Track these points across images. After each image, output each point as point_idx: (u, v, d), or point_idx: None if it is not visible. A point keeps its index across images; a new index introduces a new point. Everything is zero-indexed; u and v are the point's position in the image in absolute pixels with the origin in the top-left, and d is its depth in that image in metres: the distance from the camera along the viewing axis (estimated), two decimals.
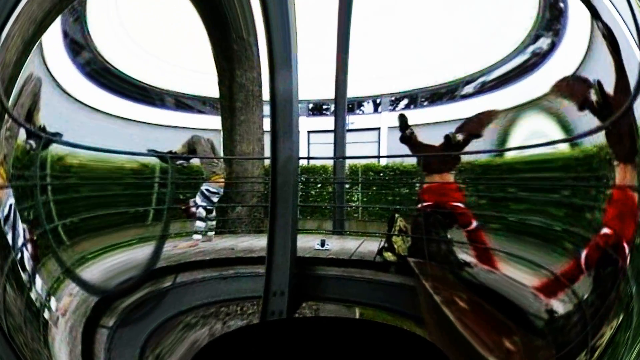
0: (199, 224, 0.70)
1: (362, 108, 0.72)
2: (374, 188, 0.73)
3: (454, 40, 0.66)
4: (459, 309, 0.72)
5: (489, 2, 0.69)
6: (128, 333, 0.67)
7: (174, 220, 0.69)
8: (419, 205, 0.72)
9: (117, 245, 0.66)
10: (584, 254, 0.66)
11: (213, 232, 0.70)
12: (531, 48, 0.65)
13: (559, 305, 0.67)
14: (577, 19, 0.66)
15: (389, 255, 0.74)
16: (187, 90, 0.69)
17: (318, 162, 0.71)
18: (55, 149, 0.65)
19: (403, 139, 0.67)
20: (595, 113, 0.65)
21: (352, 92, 0.70)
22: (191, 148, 0.67)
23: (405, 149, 0.69)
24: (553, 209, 0.67)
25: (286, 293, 0.70)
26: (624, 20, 0.66)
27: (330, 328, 0.71)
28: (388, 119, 0.70)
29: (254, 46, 0.70)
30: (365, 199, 0.73)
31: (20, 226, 0.66)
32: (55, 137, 0.64)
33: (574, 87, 0.64)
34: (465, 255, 0.73)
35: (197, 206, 0.69)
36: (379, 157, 0.70)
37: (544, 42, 0.65)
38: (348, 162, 0.71)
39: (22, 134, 0.66)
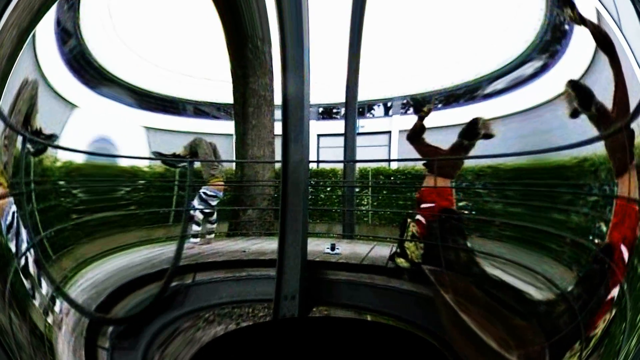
0: (195, 227, 0.71)
1: (372, 111, 0.72)
2: (385, 192, 0.72)
3: (466, 41, 0.66)
4: (478, 317, 0.70)
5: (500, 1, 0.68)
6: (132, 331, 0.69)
7: (176, 223, 0.71)
8: (422, 207, 0.71)
9: (119, 249, 0.69)
10: None
11: (213, 235, 0.72)
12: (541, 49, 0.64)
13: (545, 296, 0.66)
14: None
15: (401, 262, 0.73)
16: (203, 98, 0.71)
17: (327, 166, 0.71)
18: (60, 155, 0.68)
19: (419, 119, 0.66)
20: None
21: (362, 95, 0.70)
22: (193, 150, 0.68)
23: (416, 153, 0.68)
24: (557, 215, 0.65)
25: (297, 297, 0.70)
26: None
27: (338, 328, 0.71)
28: (399, 122, 0.70)
29: (267, 53, 0.72)
30: (375, 203, 0.73)
31: (24, 233, 0.69)
32: (53, 142, 0.68)
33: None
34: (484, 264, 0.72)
35: (195, 209, 0.70)
36: (389, 160, 0.70)
37: (553, 43, 0.64)
38: (358, 165, 0.71)
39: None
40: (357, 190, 0.73)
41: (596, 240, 0.68)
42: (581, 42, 0.67)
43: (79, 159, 0.69)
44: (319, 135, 0.69)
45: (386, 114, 0.71)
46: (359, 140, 0.71)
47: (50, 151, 0.69)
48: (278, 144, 0.68)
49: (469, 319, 0.70)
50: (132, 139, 0.69)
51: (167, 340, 0.70)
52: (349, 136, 0.70)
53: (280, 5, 0.68)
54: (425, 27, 0.68)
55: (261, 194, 0.72)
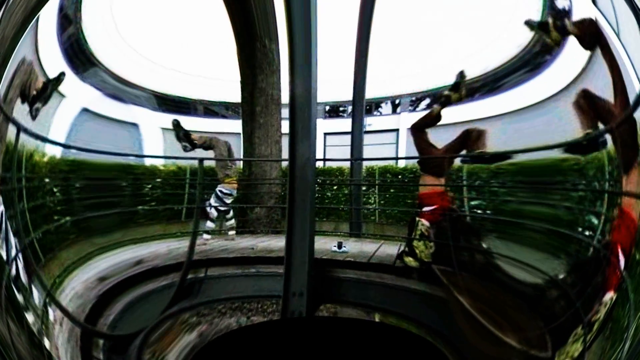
0: (210, 224, 0.73)
1: (380, 109, 0.71)
2: (392, 190, 0.72)
3: (474, 37, 0.64)
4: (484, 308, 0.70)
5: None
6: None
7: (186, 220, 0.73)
8: (424, 210, 0.70)
9: (132, 241, 0.71)
10: None
11: (234, 232, 0.73)
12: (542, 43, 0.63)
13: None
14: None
15: (410, 261, 0.73)
16: (212, 98, 0.72)
17: (334, 164, 0.71)
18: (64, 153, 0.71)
19: (443, 102, 0.65)
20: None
21: (370, 93, 0.70)
22: (206, 145, 0.70)
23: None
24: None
25: (305, 294, 0.71)
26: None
27: (343, 328, 0.71)
28: (407, 120, 0.69)
29: (275, 52, 0.72)
30: (382, 202, 0.72)
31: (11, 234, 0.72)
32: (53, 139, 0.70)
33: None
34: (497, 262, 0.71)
35: (210, 206, 0.72)
36: (396, 158, 0.69)
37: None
38: (365, 164, 0.71)
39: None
40: (364, 188, 0.73)
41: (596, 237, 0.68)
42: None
43: (79, 155, 0.71)
44: (326, 134, 0.69)
45: (394, 111, 0.71)
46: (366, 139, 0.70)
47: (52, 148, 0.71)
48: (286, 142, 0.69)
49: (478, 313, 0.70)
50: (144, 138, 0.71)
51: (169, 333, 0.72)
52: (356, 134, 0.70)
53: (289, 4, 0.68)
54: (433, 24, 0.66)
55: (269, 192, 0.73)
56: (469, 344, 0.70)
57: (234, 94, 0.72)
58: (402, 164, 0.70)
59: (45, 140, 0.71)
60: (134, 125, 0.71)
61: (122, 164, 0.72)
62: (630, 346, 0.69)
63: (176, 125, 0.68)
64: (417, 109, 0.69)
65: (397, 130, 0.69)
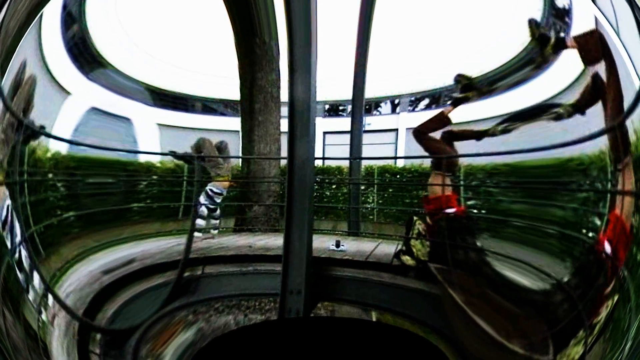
0: (200, 221, 0.73)
1: (379, 109, 0.71)
2: (390, 190, 0.72)
3: (473, 37, 0.64)
4: (483, 310, 0.71)
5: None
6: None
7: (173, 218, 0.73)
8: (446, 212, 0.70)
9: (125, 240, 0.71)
10: None
11: (217, 231, 0.73)
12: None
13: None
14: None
15: (407, 259, 0.73)
16: (211, 95, 0.72)
17: (333, 163, 0.71)
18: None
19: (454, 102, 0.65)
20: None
21: (369, 92, 0.70)
22: (199, 150, 0.70)
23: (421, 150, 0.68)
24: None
25: (302, 292, 0.71)
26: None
27: (342, 329, 0.72)
28: (406, 119, 0.70)
29: (274, 49, 0.72)
30: (381, 201, 0.73)
31: (17, 227, 0.72)
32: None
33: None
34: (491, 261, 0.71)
35: (200, 204, 0.72)
36: (395, 158, 0.69)
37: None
38: (364, 163, 0.71)
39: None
40: (362, 188, 0.73)
41: (590, 234, 0.69)
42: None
43: (78, 151, 0.71)
44: (325, 133, 0.69)
45: (393, 111, 0.71)
46: (366, 138, 0.70)
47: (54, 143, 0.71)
48: (285, 140, 0.69)
49: (474, 313, 0.70)
50: (141, 134, 0.70)
51: (167, 329, 0.72)
52: (355, 134, 0.70)
53: (289, 2, 0.68)
54: (434, 23, 0.66)
55: (267, 190, 0.73)
56: (466, 342, 0.71)
57: (233, 91, 0.72)
58: (400, 163, 0.70)
59: (47, 135, 0.70)
60: (130, 121, 0.71)
61: (118, 160, 0.71)
62: (631, 347, 0.70)
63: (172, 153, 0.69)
64: (417, 109, 0.69)
65: (396, 130, 0.69)
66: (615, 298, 0.68)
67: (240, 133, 0.72)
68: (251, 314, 0.73)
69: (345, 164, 0.71)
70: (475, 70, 0.65)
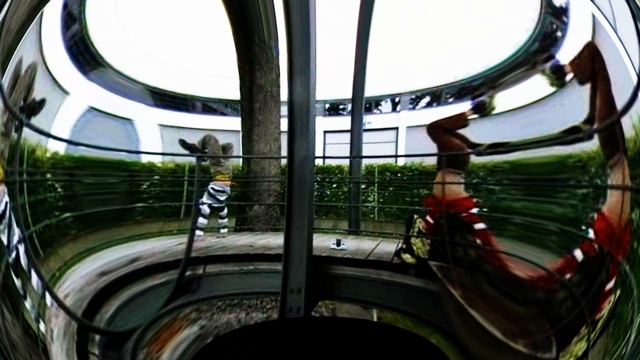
0: (202, 220, 0.73)
1: (379, 107, 0.71)
2: (391, 189, 0.72)
3: (473, 33, 0.64)
4: (484, 309, 0.71)
5: None
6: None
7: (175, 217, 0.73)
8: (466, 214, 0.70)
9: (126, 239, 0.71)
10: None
11: (226, 230, 0.73)
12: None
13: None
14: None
15: (407, 257, 0.73)
16: (210, 94, 0.72)
17: (333, 162, 0.71)
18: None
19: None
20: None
21: (370, 90, 0.70)
22: (203, 146, 0.70)
23: (426, 147, 0.68)
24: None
25: (303, 290, 0.72)
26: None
27: (343, 328, 0.72)
28: (407, 118, 0.69)
29: (274, 48, 0.71)
30: (381, 200, 0.73)
31: (16, 226, 0.72)
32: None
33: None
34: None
35: (202, 204, 0.72)
36: (396, 156, 0.69)
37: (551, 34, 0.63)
38: (364, 162, 0.71)
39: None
40: (363, 186, 0.73)
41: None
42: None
43: (77, 151, 0.71)
44: (325, 132, 0.69)
45: (394, 109, 0.71)
46: (366, 137, 0.70)
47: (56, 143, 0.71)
48: (285, 140, 0.69)
49: (475, 312, 0.71)
50: (140, 134, 0.70)
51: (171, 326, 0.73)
52: (356, 132, 0.70)
53: (287, 1, 0.67)
54: (434, 21, 0.66)
55: (267, 190, 0.73)
56: (466, 340, 0.71)
57: (233, 91, 0.72)
58: (401, 162, 0.70)
59: (46, 134, 0.71)
60: (131, 121, 0.71)
61: (119, 160, 0.71)
62: (635, 339, 0.70)
63: (181, 142, 0.69)
64: (417, 107, 0.69)
65: (396, 128, 0.69)
66: (618, 293, 0.69)
67: (241, 133, 0.72)
68: (252, 312, 0.73)
69: (345, 162, 0.71)
70: (476, 67, 0.65)
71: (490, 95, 0.67)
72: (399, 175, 0.70)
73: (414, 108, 0.69)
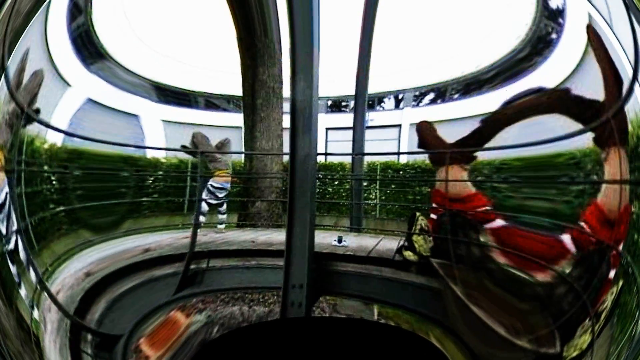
0: (201, 217, 0.73)
1: (382, 104, 0.71)
2: (393, 186, 0.72)
3: (476, 30, 0.63)
4: (486, 305, 0.71)
5: None
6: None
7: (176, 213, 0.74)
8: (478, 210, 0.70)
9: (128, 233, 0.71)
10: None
11: (224, 225, 0.74)
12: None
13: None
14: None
15: (409, 255, 0.73)
16: (213, 90, 0.71)
17: (336, 159, 0.71)
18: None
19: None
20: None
21: (373, 87, 0.69)
22: (195, 146, 0.70)
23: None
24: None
25: (304, 286, 0.72)
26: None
27: (343, 328, 0.72)
28: (410, 115, 0.69)
29: (276, 44, 0.71)
30: (383, 197, 0.72)
31: (13, 216, 0.72)
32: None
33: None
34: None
35: (201, 200, 0.72)
36: (398, 153, 0.69)
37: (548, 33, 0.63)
38: (366, 159, 0.70)
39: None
40: (365, 184, 0.73)
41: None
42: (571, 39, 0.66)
43: (79, 144, 0.71)
44: (327, 129, 0.69)
45: (396, 107, 0.70)
46: (368, 134, 0.70)
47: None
48: (287, 136, 0.68)
49: (477, 308, 0.71)
50: (145, 129, 0.70)
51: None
52: (358, 129, 0.70)
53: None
54: (437, 18, 0.65)
55: (269, 186, 0.73)
56: (468, 336, 0.71)
57: (235, 87, 0.71)
58: (403, 159, 0.69)
59: (48, 126, 0.71)
60: (135, 116, 0.71)
61: (123, 155, 0.71)
62: None
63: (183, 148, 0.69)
64: (420, 104, 0.69)
65: (399, 125, 0.69)
66: (620, 283, 0.69)
67: (243, 129, 0.72)
68: (255, 306, 0.74)
69: (347, 159, 0.71)
70: (477, 64, 0.64)
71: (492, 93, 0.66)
72: (401, 172, 0.70)
73: (417, 105, 0.69)
